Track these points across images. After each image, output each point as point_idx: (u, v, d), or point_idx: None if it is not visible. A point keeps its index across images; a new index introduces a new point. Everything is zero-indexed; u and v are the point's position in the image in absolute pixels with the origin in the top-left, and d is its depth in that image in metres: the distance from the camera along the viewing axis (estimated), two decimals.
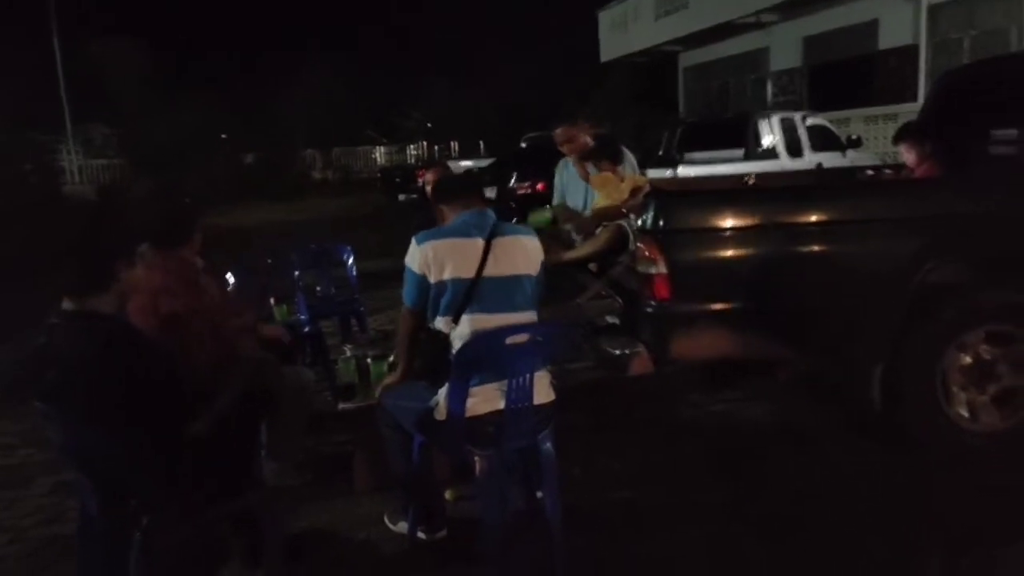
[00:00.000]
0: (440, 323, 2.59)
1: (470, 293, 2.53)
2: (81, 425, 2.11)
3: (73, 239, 2.23)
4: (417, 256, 2.58)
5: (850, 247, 3.15)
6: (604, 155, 4.44)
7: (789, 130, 9.11)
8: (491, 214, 2.70)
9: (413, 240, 2.61)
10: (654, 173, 7.23)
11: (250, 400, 2.83)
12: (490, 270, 2.55)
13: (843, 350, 3.21)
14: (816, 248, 3.20)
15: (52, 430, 2.16)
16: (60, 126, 24.12)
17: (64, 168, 24.94)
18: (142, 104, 23.85)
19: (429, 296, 2.58)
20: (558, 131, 4.67)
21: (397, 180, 17.31)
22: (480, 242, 2.58)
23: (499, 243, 2.60)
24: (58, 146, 24.73)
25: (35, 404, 2.09)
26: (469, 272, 2.54)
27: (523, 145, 17.22)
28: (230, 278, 4.49)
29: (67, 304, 2.14)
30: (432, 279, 2.55)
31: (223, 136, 26.86)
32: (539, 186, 9.88)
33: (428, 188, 4.20)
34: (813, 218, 3.23)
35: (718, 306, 3.22)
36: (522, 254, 2.65)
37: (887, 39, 12.77)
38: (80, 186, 23.50)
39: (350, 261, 5.41)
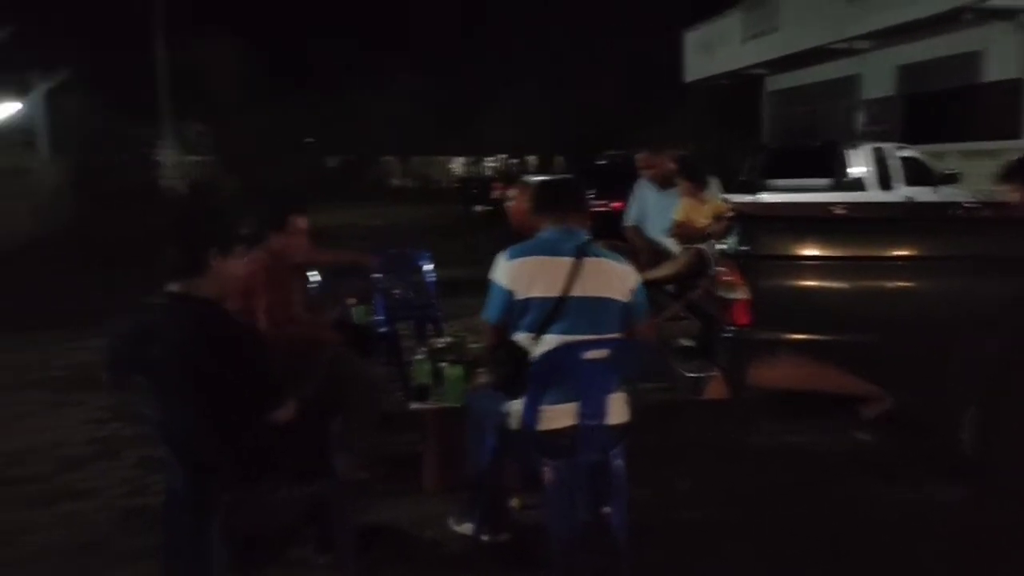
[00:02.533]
0: (522, 339, 2.59)
1: (554, 313, 2.52)
2: (176, 402, 2.23)
3: (171, 227, 2.35)
4: (506, 271, 2.58)
5: (948, 284, 3.04)
6: (687, 177, 4.41)
7: (880, 161, 8.79)
8: (581, 234, 2.67)
9: (501, 256, 2.62)
10: (734, 199, 7.10)
11: (328, 390, 2.94)
12: (576, 291, 2.53)
13: (934, 389, 3.08)
14: (910, 283, 3.09)
15: (148, 405, 2.29)
16: (159, 123, 25.45)
17: (161, 162, 26.29)
18: (235, 104, 25.01)
19: (513, 312, 2.58)
20: (640, 156, 4.66)
21: (473, 191, 17.55)
22: (568, 261, 2.56)
23: (588, 264, 2.57)
24: (157, 141, 26.15)
25: (136, 378, 2.22)
26: (555, 291, 2.52)
27: (601, 163, 17.22)
28: (314, 276, 4.66)
29: (171, 286, 2.27)
30: (518, 296, 2.55)
31: (309, 139, 27.85)
32: (615, 205, 9.86)
33: (508, 205, 4.27)
34: (908, 252, 3.13)
35: (799, 336, 3.15)
36: (611, 277, 2.61)
37: (992, 71, 12.20)
38: (175, 180, 24.72)
39: (428, 267, 5.52)
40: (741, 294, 3.07)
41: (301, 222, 3.48)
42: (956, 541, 2.90)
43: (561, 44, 29.04)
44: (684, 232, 4.30)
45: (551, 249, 2.61)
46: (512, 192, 4.34)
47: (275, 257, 3.31)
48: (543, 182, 3.03)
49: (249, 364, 2.26)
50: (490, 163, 31.83)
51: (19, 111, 15.75)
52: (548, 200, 2.79)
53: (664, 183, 4.60)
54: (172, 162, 26.25)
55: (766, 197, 8.01)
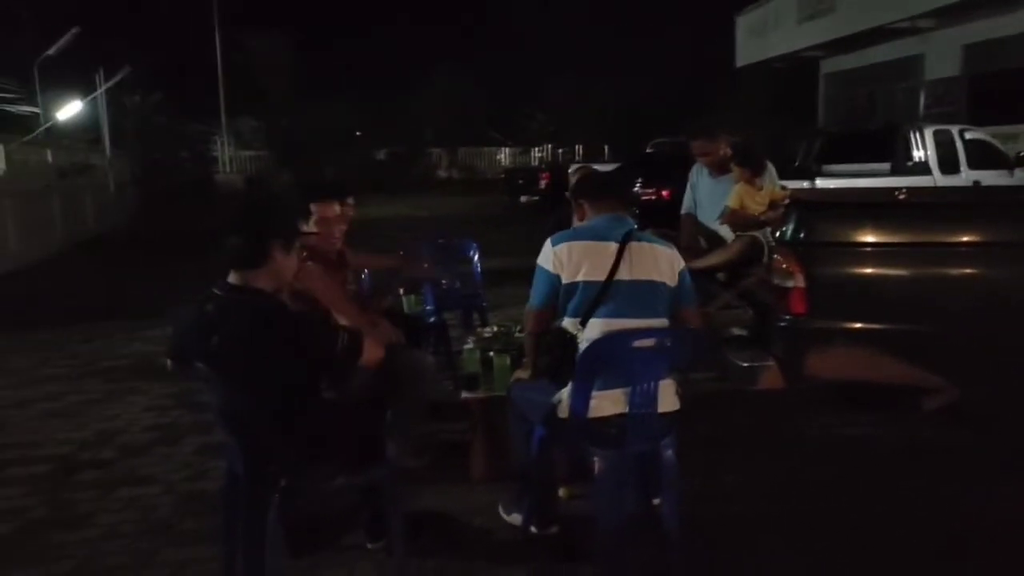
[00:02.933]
0: (568, 324, 2.59)
1: (601, 296, 2.52)
2: (236, 390, 2.28)
3: (236, 217, 2.39)
4: (551, 256, 2.59)
5: (1011, 270, 2.90)
6: (741, 163, 4.30)
7: (944, 144, 8.45)
8: (629, 220, 2.68)
9: (548, 241, 2.62)
10: (790, 185, 6.92)
11: (381, 379, 2.97)
12: (623, 274, 2.53)
13: (1003, 381, 2.95)
14: (975, 270, 2.96)
15: (210, 392, 2.35)
16: (216, 118, 26.14)
17: (217, 157, 27.04)
18: (287, 100, 25.51)
19: (559, 297, 2.58)
20: (695, 143, 4.57)
21: (520, 182, 17.50)
22: (614, 246, 2.56)
23: (634, 248, 2.57)
24: (213, 136, 26.89)
25: (197, 366, 2.28)
26: (601, 275, 2.53)
27: (649, 151, 16.99)
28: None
29: (232, 278, 2.31)
30: (565, 279, 2.56)
31: (358, 133, 28.21)
32: (664, 193, 9.72)
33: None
34: (972, 238, 2.99)
35: (858, 325, 3.05)
36: (657, 261, 2.60)
37: None
38: (230, 175, 25.40)
39: (476, 257, 5.54)
40: (798, 282, 2.99)
41: (327, 210, 3.41)
42: (1014, 542, 2.77)
43: (609, 31, 28.74)
44: (738, 219, 4.19)
45: (598, 235, 2.61)
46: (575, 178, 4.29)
47: (312, 253, 3.28)
48: (586, 176, 3.02)
49: (313, 341, 2.29)
50: (537, 153, 31.71)
51: (83, 109, 16.34)
52: (595, 188, 2.81)
53: (720, 169, 4.50)
54: (228, 157, 26.98)
55: (823, 183, 7.80)
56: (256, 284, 2.29)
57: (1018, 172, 8.56)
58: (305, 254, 3.15)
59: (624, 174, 10.76)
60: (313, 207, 3.38)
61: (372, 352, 2.39)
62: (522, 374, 2.88)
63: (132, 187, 18.61)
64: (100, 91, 16.94)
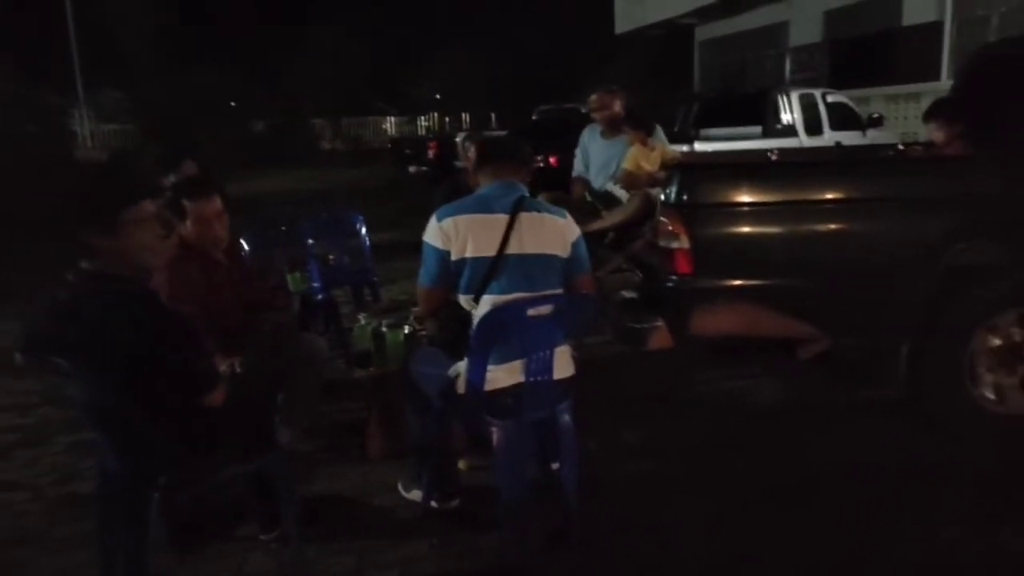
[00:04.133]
0: (462, 300, 2.53)
1: (491, 272, 2.44)
2: (101, 383, 2.10)
3: (80, 188, 2.18)
4: (438, 231, 2.47)
5: (878, 225, 3.10)
6: (635, 125, 4.38)
7: (809, 107, 8.95)
8: (520, 187, 2.58)
9: (433, 216, 2.51)
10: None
11: (268, 365, 2.83)
12: (513, 248, 2.45)
13: (869, 329, 3.17)
14: (843, 226, 3.14)
15: (73, 387, 2.15)
16: (72, 89, 24.00)
17: (77, 133, 24.87)
18: (152, 68, 23.72)
19: (450, 273, 2.49)
20: (593, 97, 4.62)
21: (407, 152, 17.13)
22: (503, 218, 2.47)
23: (524, 219, 2.48)
24: (70, 110, 24.65)
25: (56, 360, 2.08)
26: (490, 250, 2.44)
27: (535, 118, 17.05)
28: (244, 244, 4.47)
29: (85, 263, 2.11)
30: (453, 256, 2.45)
31: (232, 103, 26.70)
32: (551, 160, 9.79)
33: (465, 164, 4.14)
34: (841, 195, 3.17)
35: (740, 282, 3.18)
36: (550, 232, 2.53)
37: (911, 15, 12.51)
38: (93, 151, 23.45)
39: (363, 230, 5.37)
40: (683, 243, 3.07)
41: (206, 207, 2.99)
42: (895, 476, 3.01)
43: None
44: (633, 180, 4.28)
45: (484, 206, 2.51)
46: (470, 150, 4.21)
47: (187, 246, 3.01)
48: (484, 138, 2.94)
49: (176, 347, 2.14)
50: (424, 123, 31.19)
51: None
52: (485, 155, 2.70)
53: (612, 129, 4.57)
54: (89, 131, 24.87)
55: (701, 146, 8.08)
56: (112, 269, 2.10)
57: (870, 132, 9.21)
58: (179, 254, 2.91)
59: (519, 138, 10.73)
60: (188, 204, 2.97)
61: (216, 398, 2.27)
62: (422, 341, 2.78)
63: None
64: None
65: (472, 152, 4.17)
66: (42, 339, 2.13)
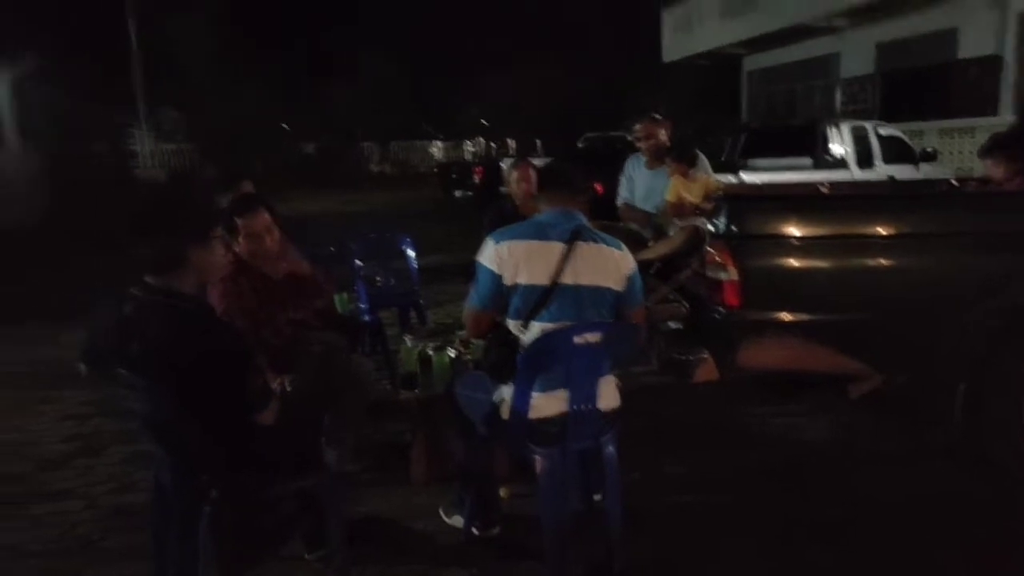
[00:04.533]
0: (511, 325, 2.53)
1: (543, 300, 2.43)
2: (160, 397, 2.17)
3: (144, 220, 2.27)
4: (493, 254, 2.48)
5: (937, 261, 3.03)
6: (677, 157, 4.39)
7: (860, 140, 8.81)
8: (578, 216, 2.57)
9: (489, 238, 2.52)
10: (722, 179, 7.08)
11: (317, 385, 2.88)
12: (567, 278, 2.44)
13: (924, 367, 3.09)
14: (899, 261, 3.08)
15: (134, 400, 2.22)
16: (133, 109, 24.94)
17: (136, 152, 25.82)
18: (210, 90, 24.55)
19: (501, 296, 2.49)
20: (638, 126, 4.64)
21: (453, 176, 17.37)
22: (559, 246, 2.46)
23: (581, 249, 2.47)
24: (131, 129, 25.63)
25: (119, 372, 2.15)
26: (544, 278, 2.43)
27: (581, 145, 17.14)
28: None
29: (149, 279, 2.19)
30: (506, 280, 2.46)
31: (285, 126, 27.47)
32: (597, 187, 9.79)
33: (521, 185, 4.19)
34: (896, 229, 3.12)
35: (789, 316, 3.14)
36: (606, 264, 2.51)
37: (967, 49, 12.27)
38: (152, 170, 24.30)
39: (410, 252, 5.44)
40: (730, 275, 3.05)
41: (256, 223, 3.09)
42: (948, 518, 2.92)
43: (539, 25, 28.86)
44: (676, 212, 4.28)
45: (541, 233, 2.51)
46: (514, 175, 4.27)
47: (240, 263, 3.08)
48: (547, 163, 2.96)
49: (230, 365, 2.20)
50: (470, 148, 31.59)
51: None
52: (545, 181, 2.70)
53: (656, 158, 4.58)
54: (148, 151, 25.79)
55: (748, 177, 8.02)
56: (176, 285, 2.17)
57: (923, 166, 9.02)
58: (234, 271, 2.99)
59: (579, 163, 10.76)
60: (239, 221, 3.07)
61: (268, 416, 2.31)
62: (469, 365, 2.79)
63: (43, 184, 17.58)
64: (3, 81, 15.92)
65: (514, 178, 4.23)
66: (106, 351, 2.21)
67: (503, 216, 3.85)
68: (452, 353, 3.32)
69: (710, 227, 3.28)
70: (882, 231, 3.14)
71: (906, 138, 9.60)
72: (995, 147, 4.01)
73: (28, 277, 9.20)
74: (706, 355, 3.26)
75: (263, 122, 24.46)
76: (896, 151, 9.10)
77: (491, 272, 2.48)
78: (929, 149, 9.37)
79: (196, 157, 24.91)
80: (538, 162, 4.20)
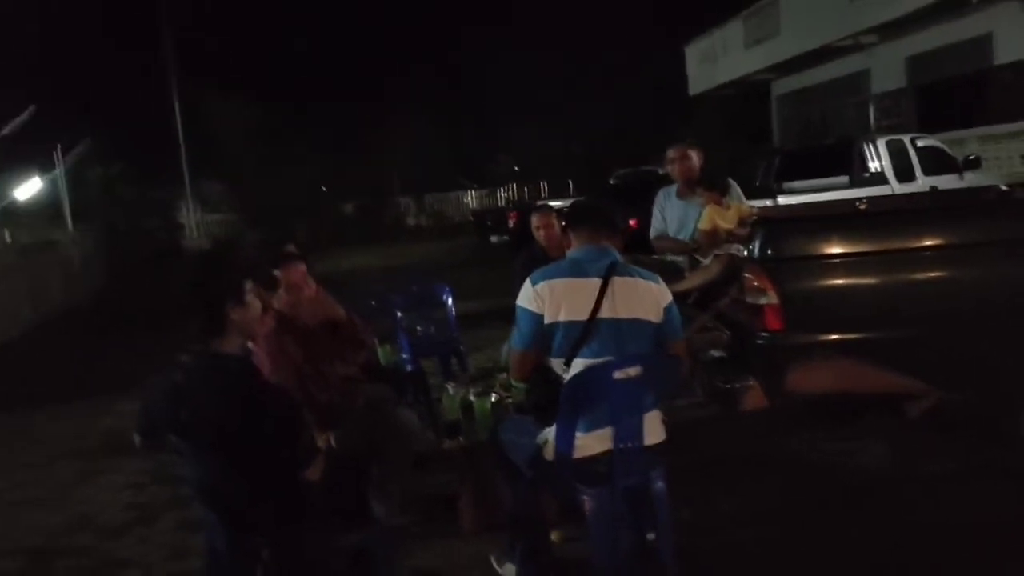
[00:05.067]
0: (554, 364, 2.52)
1: (584, 336, 2.43)
2: (209, 460, 2.20)
3: (186, 293, 2.35)
4: (532, 295, 2.49)
5: (995, 271, 2.93)
6: (709, 187, 4.37)
7: (898, 153, 8.65)
8: (612, 252, 2.59)
9: (528, 280, 2.54)
10: (753, 204, 7.01)
11: (363, 439, 2.90)
12: (605, 312, 2.44)
13: (985, 383, 2.96)
14: (942, 273, 2.99)
15: (184, 465, 2.26)
16: (180, 184, 26.01)
17: (183, 224, 26.84)
18: (250, 160, 25.50)
19: (543, 336, 2.49)
20: (670, 151, 4.64)
21: (488, 223, 17.58)
22: (596, 282, 2.47)
23: (617, 284, 2.48)
24: (177, 202, 26.71)
25: (171, 438, 2.20)
26: (583, 314, 2.44)
27: (612, 182, 17.20)
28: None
29: (197, 346, 2.25)
30: (547, 319, 2.46)
31: (323, 188, 28.25)
32: (631, 222, 9.78)
33: (539, 233, 4.24)
34: (942, 240, 3.03)
35: (836, 336, 3.06)
36: (643, 297, 2.52)
37: (1004, 54, 12.03)
38: (198, 240, 25.17)
39: (450, 301, 5.47)
40: (771, 299, 2.99)
41: (293, 273, 3.25)
42: (1015, 545, 2.75)
43: (566, 66, 29.38)
44: (711, 239, 4.23)
45: (578, 270, 2.53)
46: (534, 222, 4.30)
47: (283, 318, 3.18)
48: (576, 202, 2.99)
49: (276, 423, 2.23)
50: (503, 194, 31.97)
51: (42, 187, 16.21)
52: (578, 219, 2.71)
53: (685, 188, 4.57)
54: (195, 222, 26.78)
55: (785, 200, 7.92)
56: (223, 349, 2.23)
57: (968, 175, 8.79)
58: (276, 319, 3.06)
59: (612, 200, 10.78)
60: (277, 273, 3.21)
61: (315, 471, 2.32)
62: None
63: (99, 260, 18.35)
64: (59, 167, 16.80)
65: (535, 225, 4.27)
66: (159, 420, 2.26)
67: (533, 261, 3.87)
68: (493, 398, 3.31)
69: (745, 253, 3.24)
70: (927, 243, 3.05)
71: (946, 148, 9.39)
72: None
73: (92, 350, 9.54)
74: (752, 382, 3.18)
75: (302, 186, 25.22)
76: (937, 162, 8.91)
77: (531, 313, 2.50)
78: (972, 156, 9.13)
79: (239, 225, 25.72)
80: (559, 204, 4.21)
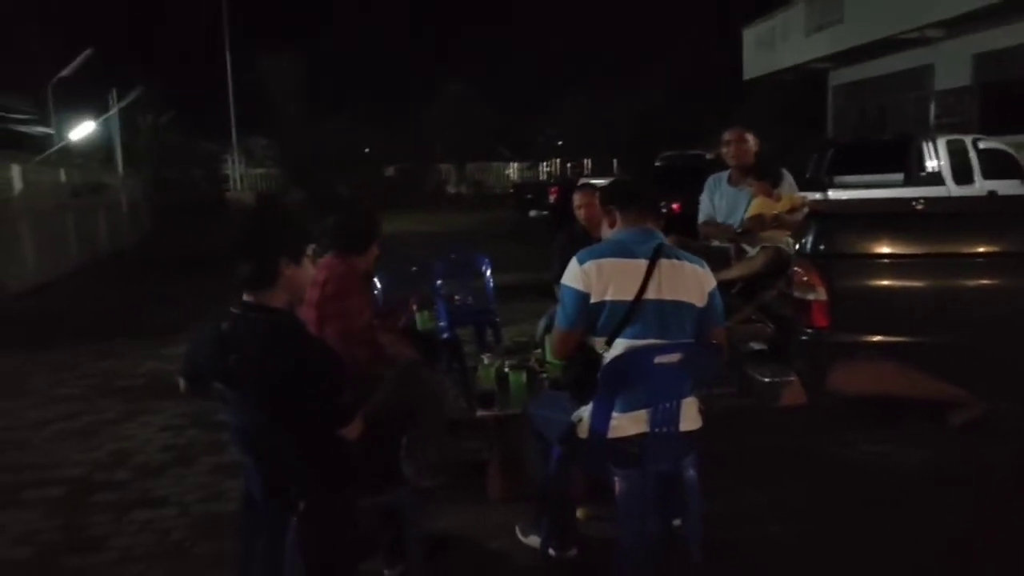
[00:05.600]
0: (596, 342, 2.53)
1: (628, 316, 2.44)
2: (252, 410, 2.25)
3: (240, 239, 2.37)
4: (580, 274, 2.49)
5: None
6: (760, 176, 4.28)
7: (957, 154, 8.38)
8: (658, 235, 2.58)
9: (574, 259, 2.54)
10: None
11: (399, 401, 2.94)
12: (651, 293, 2.44)
13: None
14: (998, 281, 2.91)
15: (227, 412, 2.32)
16: (227, 137, 26.38)
17: (228, 176, 27.25)
18: (296, 118, 25.69)
19: (588, 315, 2.49)
20: (727, 134, 4.57)
21: (529, 197, 17.52)
22: (643, 263, 2.47)
23: (664, 266, 2.48)
24: (224, 155, 27.11)
25: (215, 385, 2.25)
26: (629, 294, 2.44)
27: (658, 164, 16.99)
28: (377, 283, 4.70)
29: (246, 296, 2.29)
30: (593, 298, 2.46)
31: (367, 149, 28.39)
32: (674, 206, 9.67)
33: (580, 212, 4.22)
34: (995, 248, 2.94)
35: (882, 338, 3.00)
36: (688, 280, 2.51)
37: None
38: (241, 193, 25.56)
39: (488, 272, 5.49)
40: (819, 295, 2.94)
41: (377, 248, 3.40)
42: None
43: (618, 44, 28.92)
44: (758, 225, 4.15)
45: (626, 251, 2.52)
46: (580, 199, 4.27)
47: (349, 275, 3.27)
48: (618, 181, 2.96)
49: (321, 376, 2.27)
50: (545, 168, 31.76)
51: (96, 130, 16.54)
52: (624, 200, 2.69)
53: (737, 173, 4.50)
54: (239, 175, 27.18)
55: (835, 194, 7.75)
56: (270, 302, 2.26)
57: None
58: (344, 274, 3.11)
59: (654, 183, 10.66)
60: (373, 245, 3.35)
61: (354, 429, 2.34)
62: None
63: (145, 205, 18.76)
64: (113, 111, 17.12)
65: (577, 204, 4.23)
66: (204, 366, 2.32)
67: (574, 240, 3.85)
68: (527, 372, 3.32)
69: (796, 246, 3.18)
70: (983, 249, 2.97)
71: (1012, 151, 9.05)
72: None
73: (137, 294, 9.81)
74: (792, 377, 3.15)
75: (345, 146, 25.37)
76: (999, 165, 8.61)
77: (577, 292, 2.49)
78: None
79: (283, 181, 26.02)
80: (602, 182, 4.17)
